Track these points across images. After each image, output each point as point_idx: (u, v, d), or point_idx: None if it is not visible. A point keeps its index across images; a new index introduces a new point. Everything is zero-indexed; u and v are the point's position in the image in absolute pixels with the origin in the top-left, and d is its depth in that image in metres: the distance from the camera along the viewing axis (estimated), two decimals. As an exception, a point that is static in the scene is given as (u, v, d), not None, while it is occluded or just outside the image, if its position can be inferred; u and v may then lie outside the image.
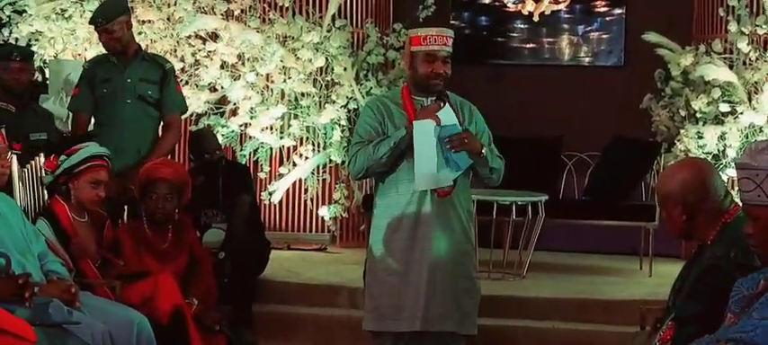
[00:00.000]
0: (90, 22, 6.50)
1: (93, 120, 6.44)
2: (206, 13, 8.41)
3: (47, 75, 8.34)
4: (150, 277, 5.38)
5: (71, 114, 6.64)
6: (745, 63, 7.82)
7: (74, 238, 5.29)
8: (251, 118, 8.40)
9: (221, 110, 8.49)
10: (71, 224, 5.33)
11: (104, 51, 6.51)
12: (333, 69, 8.36)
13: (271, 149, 8.47)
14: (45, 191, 5.68)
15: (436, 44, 5.12)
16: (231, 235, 6.56)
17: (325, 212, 8.46)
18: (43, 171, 5.52)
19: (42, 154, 5.82)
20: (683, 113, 7.95)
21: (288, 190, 8.49)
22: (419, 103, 5.14)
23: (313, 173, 8.48)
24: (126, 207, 6.16)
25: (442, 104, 5.06)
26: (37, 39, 8.61)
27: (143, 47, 8.06)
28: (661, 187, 3.78)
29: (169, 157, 6.73)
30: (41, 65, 8.52)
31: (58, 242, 5.19)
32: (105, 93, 6.33)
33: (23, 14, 8.65)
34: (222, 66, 8.43)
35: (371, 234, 5.29)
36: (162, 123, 6.43)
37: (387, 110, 5.19)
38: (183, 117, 8.11)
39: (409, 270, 5.11)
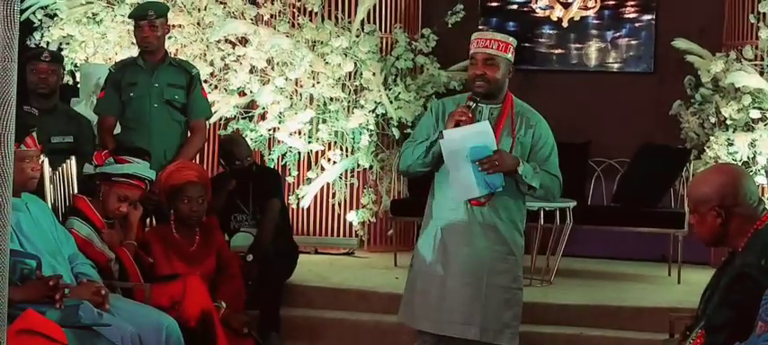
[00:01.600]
0: (137, 15, 6.46)
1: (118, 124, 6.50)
2: (236, 18, 8.44)
3: (78, 79, 8.40)
4: (179, 280, 5.42)
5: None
6: (775, 70, 7.79)
7: (102, 230, 5.33)
8: (279, 122, 8.42)
9: (250, 115, 8.52)
10: (97, 217, 5.38)
11: (134, 55, 6.55)
12: (361, 74, 8.37)
13: (299, 154, 8.49)
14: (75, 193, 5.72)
15: (477, 47, 5.15)
16: (260, 239, 6.58)
17: (352, 217, 8.47)
18: (90, 160, 5.54)
19: (73, 158, 5.87)
20: (712, 120, 7.92)
21: (316, 194, 8.50)
22: (479, 108, 5.14)
23: (341, 178, 8.49)
24: (152, 212, 6.19)
25: (471, 105, 5.06)
26: (68, 43, 8.68)
27: (173, 51, 8.16)
28: (695, 190, 3.75)
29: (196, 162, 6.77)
30: (72, 68, 8.58)
31: (95, 233, 5.25)
32: (132, 97, 6.39)
33: (55, 18, 8.72)
34: (251, 71, 8.45)
35: (420, 230, 5.36)
36: (189, 128, 6.48)
37: (444, 112, 5.20)
38: (211, 121, 8.19)
39: (438, 273, 5.14)
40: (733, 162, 7.44)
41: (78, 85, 8.27)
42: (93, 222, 5.36)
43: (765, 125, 7.69)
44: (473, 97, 5.11)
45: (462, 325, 5.11)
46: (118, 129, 6.50)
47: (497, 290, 5.11)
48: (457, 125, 5.00)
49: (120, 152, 5.58)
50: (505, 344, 5.15)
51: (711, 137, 7.84)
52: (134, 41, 6.78)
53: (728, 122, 7.78)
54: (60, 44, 8.64)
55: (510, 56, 5.16)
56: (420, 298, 5.21)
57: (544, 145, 5.16)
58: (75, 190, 5.78)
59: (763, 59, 7.86)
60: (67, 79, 8.55)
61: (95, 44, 8.61)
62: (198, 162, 8.05)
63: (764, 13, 7.84)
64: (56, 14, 8.71)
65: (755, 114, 7.70)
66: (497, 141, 5.04)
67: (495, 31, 5.28)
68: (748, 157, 7.68)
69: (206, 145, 8.28)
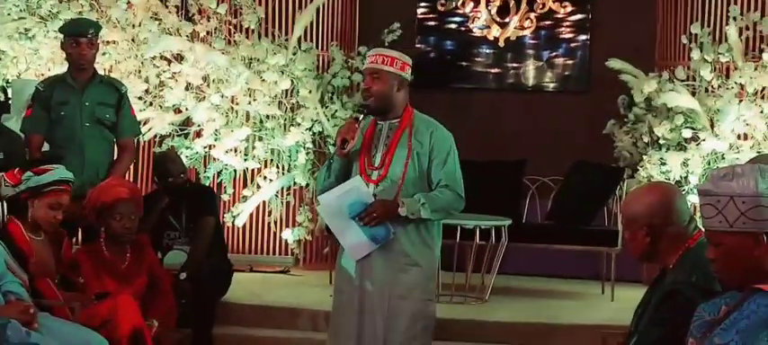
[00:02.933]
0: (77, 32, 6.36)
1: (46, 142, 6.39)
2: (171, 35, 8.37)
3: (9, 95, 8.28)
4: (110, 298, 5.35)
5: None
6: (707, 90, 7.88)
7: (31, 257, 5.24)
8: (215, 139, 8.36)
9: (185, 132, 8.44)
10: (27, 242, 5.28)
11: (60, 72, 6.45)
12: (298, 92, 8.35)
13: (235, 171, 8.44)
14: (5, 210, 5.62)
15: (366, 63, 5.24)
16: (193, 257, 6.51)
17: (288, 235, 8.43)
18: (4, 181, 5.44)
19: (2, 174, 5.76)
20: (645, 139, 8.00)
21: (251, 212, 8.45)
22: (379, 123, 5.19)
23: (277, 196, 8.45)
24: (80, 229, 6.11)
25: (360, 117, 5.11)
26: (0, 59, 8.55)
27: (107, 67, 8.08)
28: (627, 208, 3.79)
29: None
30: (4, 84, 8.45)
31: (15, 262, 5.13)
32: (63, 116, 6.29)
33: (-15, 34, 8.59)
34: (187, 88, 8.38)
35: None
36: (117, 146, 6.41)
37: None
38: (146, 139, 8.13)
39: (351, 288, 5.18)
40: (666, 181, 7.51)
41: (9, 101, 8.15)
42: (22, 248, 5.26)
43: (697, 144, 7.78)
44: (360, 110, 5.17)
45: (373, 339, 5.14)
46: (46, 147, 6.39)
47: (403, 302, 5.11)
48: (343, 141, 5.03)
49: (33, 164, 5.48)
50: None
51: (644, 157, 7.92)
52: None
53: (661, 142, 7.87)
54: (-9, 60, 8.52)
55: (397, 70, 5.13)
56: (339, 316, 5.26)
57: (439, 151, 5.13)
58: (5, 207, 5.67)
59: (695, 80, 7.95)
60: (-2, 95, 8.46)
61: (27, 60, 8.49)
62: (131, 178, 7.98)
63: (696, 35, 7.95)
64: (-13, 30, 8.59)
65: (687, 134, 7.79)
66: (393, 153, 5.08)
67: (392, 49, 5.33)
68: (681, 176, 7.77)
69: (139, 162, 8.21)
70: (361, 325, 5.15)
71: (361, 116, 5.13)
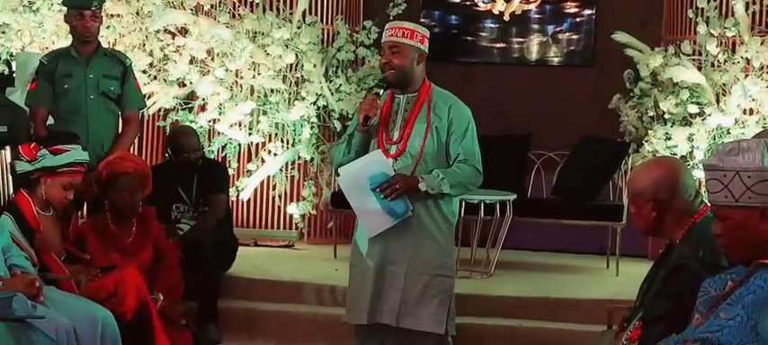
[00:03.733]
0: (80, 4, 6.31)
1: (50, 115, 6.39)
2: (175, 8, 8.35)
3: (13, 68, 8.28)
4: (115, 271, 5.35)
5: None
6: (713, 65, 7.85)
7: (38, 232, 5.24)
8: (220, 113, 8.35)
9: (190, 106, 8.43)
10: (35, 218, 5.28)
11: (64, 45, 6.44)
12: (302, 66, 8.33)
13: (239, 145, 8.43)
14: (11, 184, 5.63)
15: (385, 36, 5.25)
16: (198, 227, 6.53)
17: (293, 209, 8.43)
18: (18, 155, 5.42)
19: (8, 148, 5.77)
20: (651, 114, 7.98)
21: (256, 186, 8.45)
22: (396, 97, 5.19)
23: (281, 170, 8.45)
24: (86, 203, 6.11)
25: (380, 92, 5.13)
26: (3, 32, 8.54)
27: (111, 41, 8.07)
28: (633, 183, 3.81)
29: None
30: (8, 58, 8.45)
31: (23, 236, 5.13)
32: (67, 89, 6.28)
33: (-10, 7, 8.58)
34: (191, 62, 8.36)
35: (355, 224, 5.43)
36: (121, 119, 6.41)
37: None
38: (150, 112, 8.12)
39: (368, 264, 5.22)
40: (671, 156, 7.49)
41: (14, 75, 8.15)
42: (30, 223, 5.26)
43: (703, 119, 7.76)
44: (381, 85, 5.20)
45: (383, 312, 5.19)
46: (50, 121, 6.39)
47: (419, 276, 5.14)
48: (366, 118, 5.04)
49: (49, 141, 5.47)
50: (429, 330, 5.20)
51: (650, 131, 7.89)
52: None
53: (667, 116, 7.84)
54: (-5, 33, 8.51)
55: (417, 43, 5.18)
56: (355, 292, 5.29)
57: (458, 125, 5.18)
58: (10, 180, 5.68)
59: (700, 54, 7.93)
60: (3, 68, 8.45)
61: (32, 33, 8.49)
62: (136, 152, 7.97)
63: (702, 9, 7.91)
64: (-9, 3, 8.58)
65: (693, 109, 7.77)
66: (411, 127, 5.10)
67: (410, 22, 5.37)
68: (686, 151, 7.75)
69: (143, 136, 8.22)
70: (378, 300, 5.17)
71: (382, 91, 5.13)
